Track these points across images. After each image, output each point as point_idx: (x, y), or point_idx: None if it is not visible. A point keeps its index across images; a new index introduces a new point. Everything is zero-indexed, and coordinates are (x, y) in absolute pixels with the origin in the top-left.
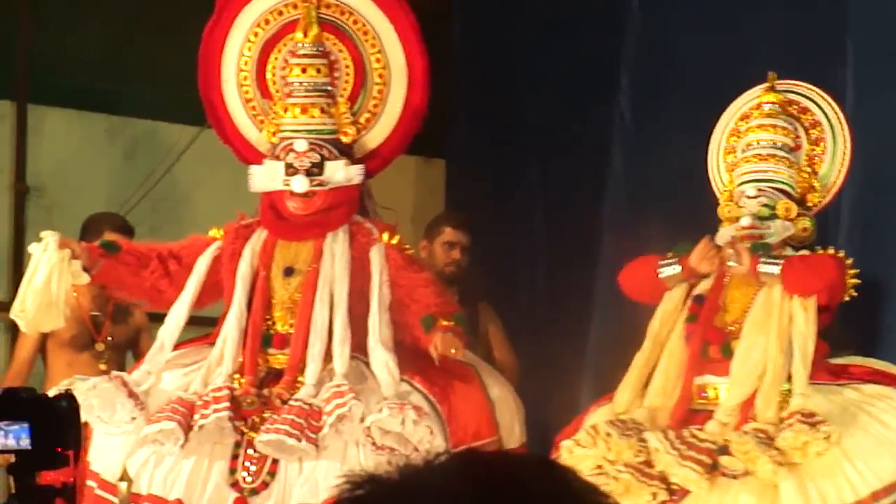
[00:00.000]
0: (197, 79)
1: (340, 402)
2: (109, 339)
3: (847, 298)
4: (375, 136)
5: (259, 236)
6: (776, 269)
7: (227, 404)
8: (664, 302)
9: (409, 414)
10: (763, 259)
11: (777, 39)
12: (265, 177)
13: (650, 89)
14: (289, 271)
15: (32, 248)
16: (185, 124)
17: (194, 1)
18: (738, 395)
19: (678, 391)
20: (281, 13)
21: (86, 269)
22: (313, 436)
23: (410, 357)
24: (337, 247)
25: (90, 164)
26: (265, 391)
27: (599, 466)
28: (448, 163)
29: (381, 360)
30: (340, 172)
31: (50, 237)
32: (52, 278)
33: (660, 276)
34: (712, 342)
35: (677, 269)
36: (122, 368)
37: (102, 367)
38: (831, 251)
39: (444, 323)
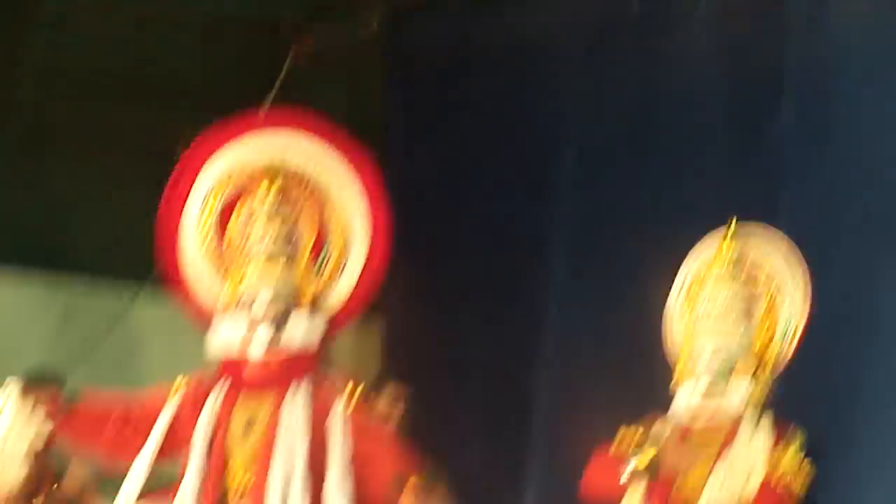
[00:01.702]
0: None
1: None
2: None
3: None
4: (340, 291)
5: (220, 391)
6: None
7: None
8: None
9: None
10: None
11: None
12: (227, 331)
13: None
14: (248, 425)
15: None
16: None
17: (134, 156)
18: None
19: None
20: (244, 169)
21: (49, 417)
22: None
23: None
24: (298, 398)
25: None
26: None
27: None
28: (385, 321)
29: None
30: (301, 328)
31: (13, 384)
32: (11, 432)
33: (622, 482)
34: None
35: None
36: None
37: None
38: (781, 473)
39: (417, 481)
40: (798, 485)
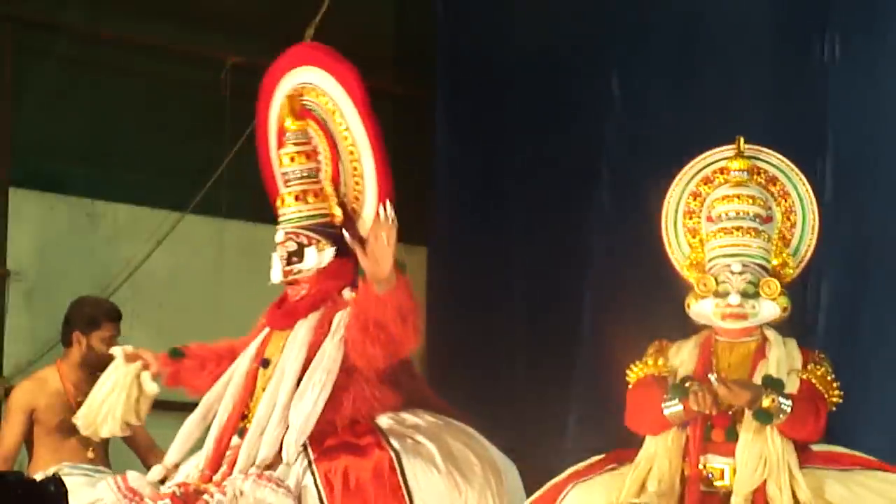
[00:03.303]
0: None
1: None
2: None
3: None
4: (367, 210)
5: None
6: (788, 410)
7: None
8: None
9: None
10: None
11: (758, 132)
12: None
13: (630, 178)
14: (265, 363)
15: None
16: (167, 209)
17: (174, 90)
18: (749, 480)
19: (679, 475)
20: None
21: (156, 377)
22: None
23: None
24: (301, 330)
25: (71, 249)
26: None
27: None
28: (430, 250)
29: (291, 433)
30: (311, 258)
31: (119, 351)
32: (113, 392)
33: (664, 412)
34: (715, 425)
35: (679, 407)
36: (107, 455)
37: (90, 454)
38: (819, 376)
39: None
40: (833, 401)
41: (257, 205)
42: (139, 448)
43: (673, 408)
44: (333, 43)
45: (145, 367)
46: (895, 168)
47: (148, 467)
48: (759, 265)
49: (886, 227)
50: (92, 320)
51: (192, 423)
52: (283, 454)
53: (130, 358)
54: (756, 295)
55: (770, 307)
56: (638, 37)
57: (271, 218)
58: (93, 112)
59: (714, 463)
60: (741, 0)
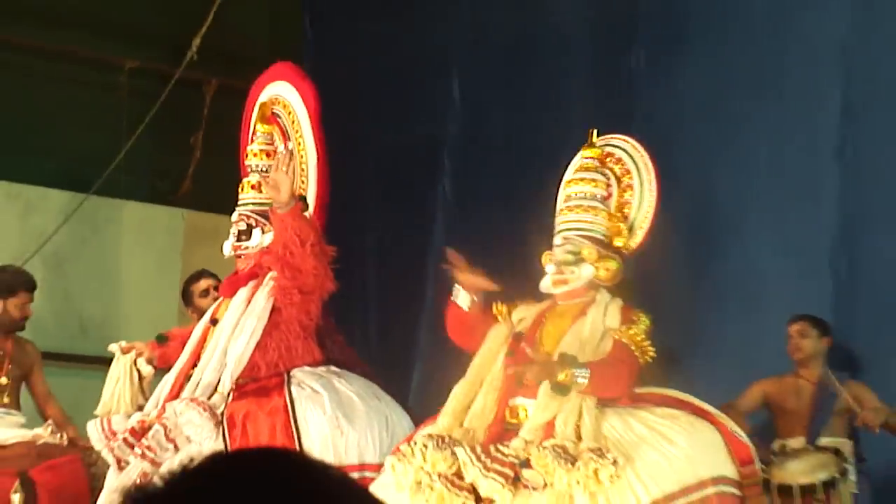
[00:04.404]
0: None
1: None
2: (8, 374)
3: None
4: (309, 197)
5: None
6: (584, 381)
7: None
8: (486, 341)
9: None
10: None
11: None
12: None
13: (470, 169)
14: (214, 322)
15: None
16: (73, 191)
17: (80, 90)
18: (541, 415)
19: (493, 413)
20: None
21: (150, 361)
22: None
23: (252, 375)
24: (241, 293)
25: None
26: None
27: (419, 483)
28: None
29: (226, 370)
30: (256, 237)
31: (115, 347)
32: (118, 382)
33: (455, 302)
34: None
35: (461, 291)
36: (18, 400)
37: (5, 400)
38: (630, 336)
39: None
40: (645, 355)
41: (150, 188)
42: (37, 397)
43: (461, 297)
44: (217, 50)
45: (139, 354)
46: (690, 164)
47: (42, 414)
48: (588, 236)
49: (691, 195)
50: (9, 288)
51: (165, 382)
52: (220, 386)
53: (125, 350)
54: (579, 261)
55: (589, 269)
56: (476, 48)
57: (162, 199)
58: (9, 108)
59: (522, 403)
60: (565, 18)
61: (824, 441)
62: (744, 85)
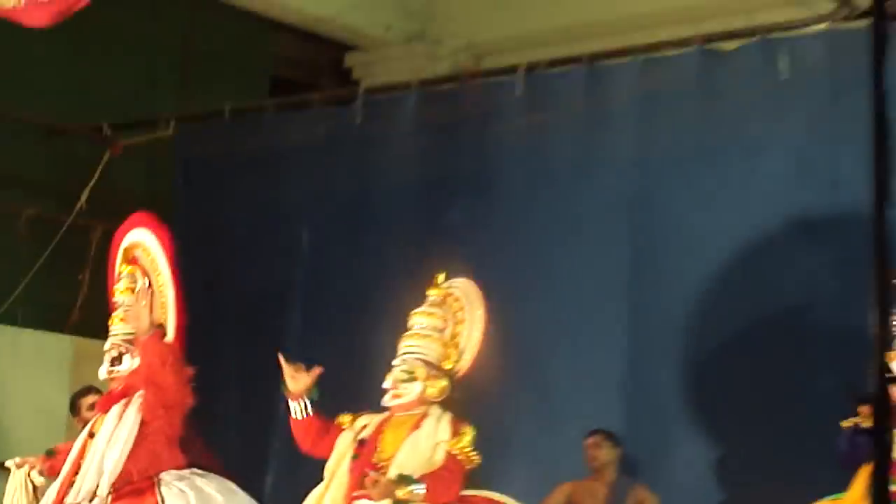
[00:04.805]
0: None
1: None
2: None
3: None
4: (169, 332)
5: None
6: (422, 492)
7: None
8: (336, 446)
9: None
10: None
11: (413, 260)
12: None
13: (318, 303)
14: (92, 435)
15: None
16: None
17: None
18: None
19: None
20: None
21: (41, 473)
22: None
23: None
24: (114, 409)
25: None
26: None
27: None
28: None
29: (104, 476)
30: (126, 363)
31: (10, 463)
32: (17, 492)
33: (292, 417)
34: (367, 474)
35: (292, 403)
36: None
37: None
38: (459, 447)
39: None
40: (471, 463)
41: (44, 318)
42: None
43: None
44: (102, 201)
45: (32, 467)
46: (505, 299)
47: None
48: (422, 359)
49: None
50: None
51: (52, 489)
52: (98, 490)
53: (19, 465)
54: (411, 379)
55: (419, 386)
56: (322, 202)
57: (54, 327)
58: None
59: (364, 503)
60: (396, 179)
61: None
62: (547, 234)
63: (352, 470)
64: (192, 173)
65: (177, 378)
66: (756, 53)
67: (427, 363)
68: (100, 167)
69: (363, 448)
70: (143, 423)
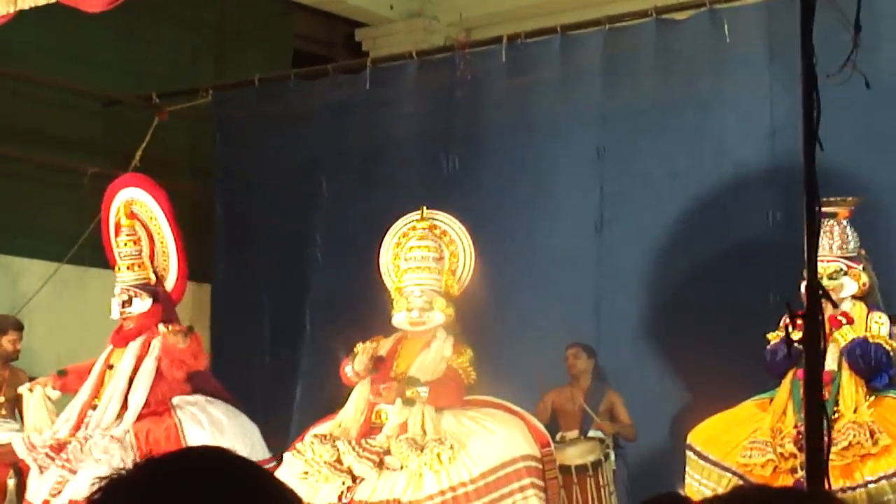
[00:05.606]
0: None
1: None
2: (6, 394)
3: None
4: (171, 277)
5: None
6: (426, 395)
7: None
8: (358, 385)
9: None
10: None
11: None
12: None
13: (337, 240)
14: (111, 367)
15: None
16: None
17: (61, 183)
18: (397, 419)
19: (363, 416)
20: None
21: (55, 388)
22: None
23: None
24: (131, 348)
25: None
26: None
27: (306, 473)
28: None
29: (129, 411)
30: (137, 306)
31: (23, 388)
32: (34, 413)
33: (346, 374)
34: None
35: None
36: (13, 411)
37: (3, 412)
38: (459, 363)
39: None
40: (469, 378)
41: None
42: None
43: (350, 371)
44: (152, 159)
45: (45, 385)
46: (491, 236)
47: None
48: (432, 289)
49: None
50: (2, 328)
51: (73, 409)
52: (123, 423)
53: (31, 388)
54: (430, 308)
55: (439, 315)
56: (338, 155)
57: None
58: (5, 204)
59: (384, 409)
60: (402, 133)
61: (591, 433)
62: (528, 180)
63: (372, 382)
64: (227, 134)
65: (193, 343)
66: (704, 22)
67: (439, 293)
68: (150, 131)
69: (382, 363)
70: (159, 371)
